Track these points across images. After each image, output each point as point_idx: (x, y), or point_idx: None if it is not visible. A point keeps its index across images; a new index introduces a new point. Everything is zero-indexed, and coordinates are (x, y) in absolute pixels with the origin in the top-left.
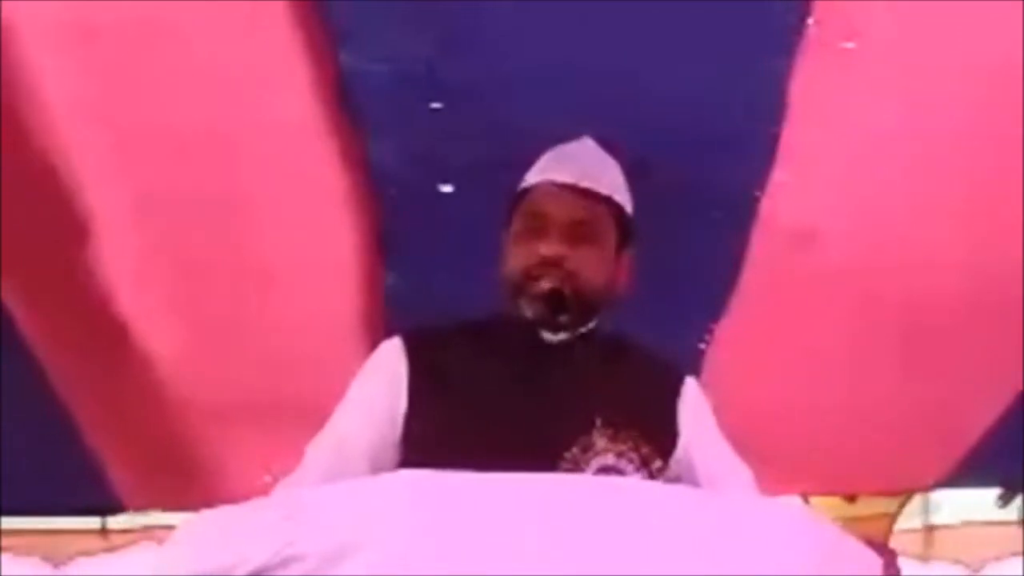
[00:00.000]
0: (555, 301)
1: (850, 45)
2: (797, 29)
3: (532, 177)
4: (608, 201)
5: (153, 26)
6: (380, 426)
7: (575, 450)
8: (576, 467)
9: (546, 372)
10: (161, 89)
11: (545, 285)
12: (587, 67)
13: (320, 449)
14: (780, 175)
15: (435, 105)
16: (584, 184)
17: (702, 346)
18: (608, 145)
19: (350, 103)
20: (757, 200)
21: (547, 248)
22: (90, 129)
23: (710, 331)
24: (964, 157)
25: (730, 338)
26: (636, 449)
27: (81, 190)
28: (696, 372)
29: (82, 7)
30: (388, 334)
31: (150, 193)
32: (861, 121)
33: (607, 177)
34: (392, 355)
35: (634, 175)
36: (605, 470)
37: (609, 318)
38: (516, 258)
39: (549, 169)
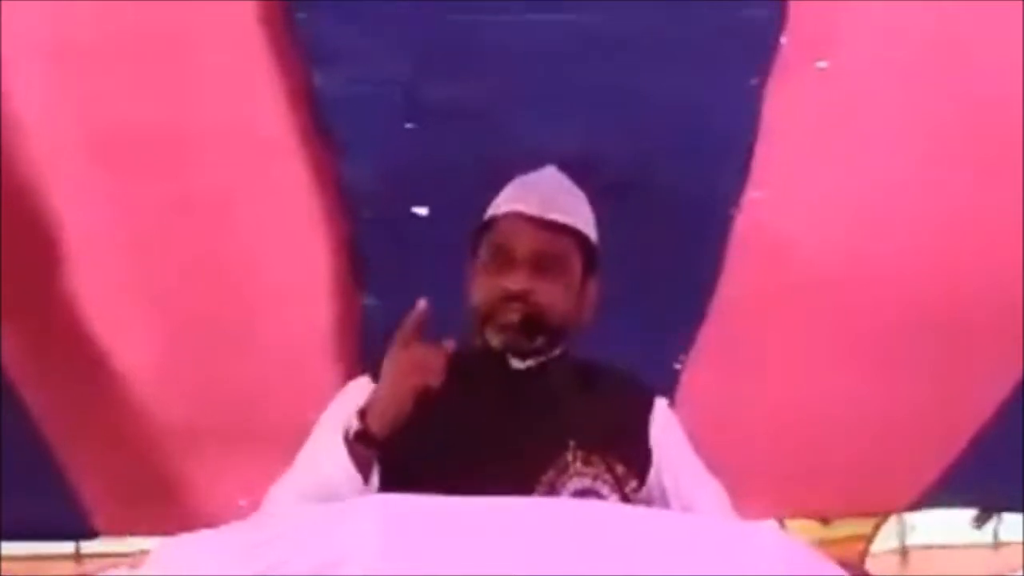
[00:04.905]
0: (528, 326)
1: (824, 64)
2: (771, 47)
3: (497, 208)
4: (573, 231)
5: (127, 44)
6: None
7: (550, 473)
8: (552, 490)
9: (517, 398)
10: (135, 107)
11: (512, 317)
12: (562, 88)
13: (288, 491)
14: (755, 192)
15: (409, 126)
16: (549, 216)
17: (677, 366)
18: (582, 167)
19: (324, 123)
20: (732, 217)
21: (512, 282)
22: (63, 145)
23: (685, 350)
24: (938, 172)
25: (705, 357)
26: (610, 471)
27: (55, 210)
28: (671, 392)
29: (56, 23)
30: (364, 357)
31: (124, 213)
32: (835, 138)
33: (572, 207)
34: (361, 391)
35: (609, 197)
36: (581, 493)
37: (577, 343)
38: (482, 291)
39: (514, 200)
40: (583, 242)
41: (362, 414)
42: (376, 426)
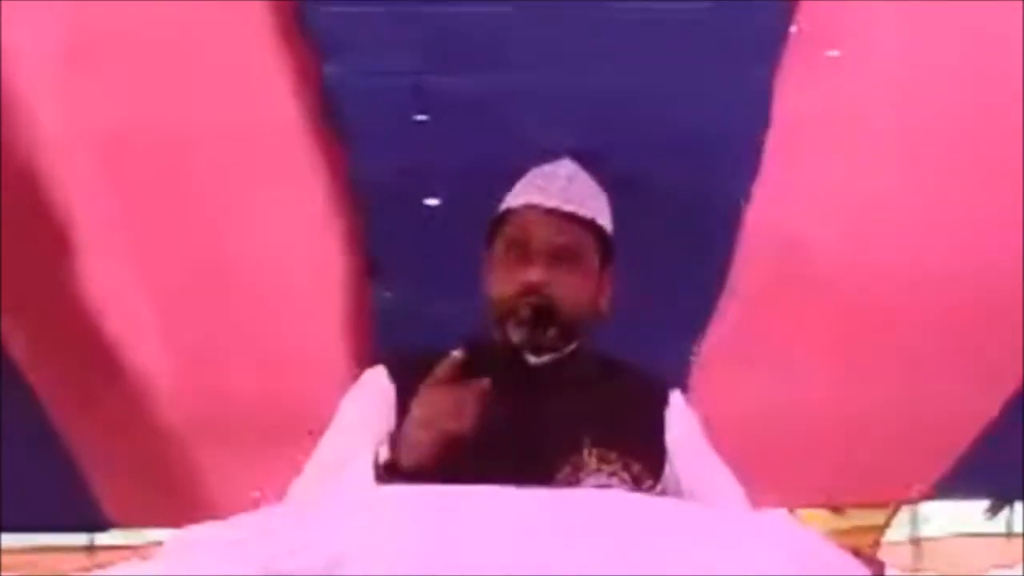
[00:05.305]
0: (540, 318)
1: (834, 53)
2: (781, 38)
3: (513, 200)
4: (590, 223)
5: (137, 38)
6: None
7: (566, 470)
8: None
9: (533, 394)
10: (146, 101)
11: (528, 311)
12: (572, 79)
13: (314, 480)
14: (766, 184)
15: (420, 118)
16: (566, 208)
17: (691, 356)
18: (592, 159)
19: (334, 116)
20: (743, 209)
21: (529, 275)
22: (74, 141)
23: (698, 341)
24: (949, 163)
25: (717, 348)
26: (627, 468)
27: (67, 204)
28: (684, 383)
29: (68, 20)
30: (376, 348)
31: (136, 208)
32: (845, 129)
33: (588, 200)
34: (378, 380)
35: (618, 189)
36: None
37: (593, 337)
38: (499, 285)
39: (530, 192)
40: (600, 235)
41: (392, 441)
42: (406, 460)
